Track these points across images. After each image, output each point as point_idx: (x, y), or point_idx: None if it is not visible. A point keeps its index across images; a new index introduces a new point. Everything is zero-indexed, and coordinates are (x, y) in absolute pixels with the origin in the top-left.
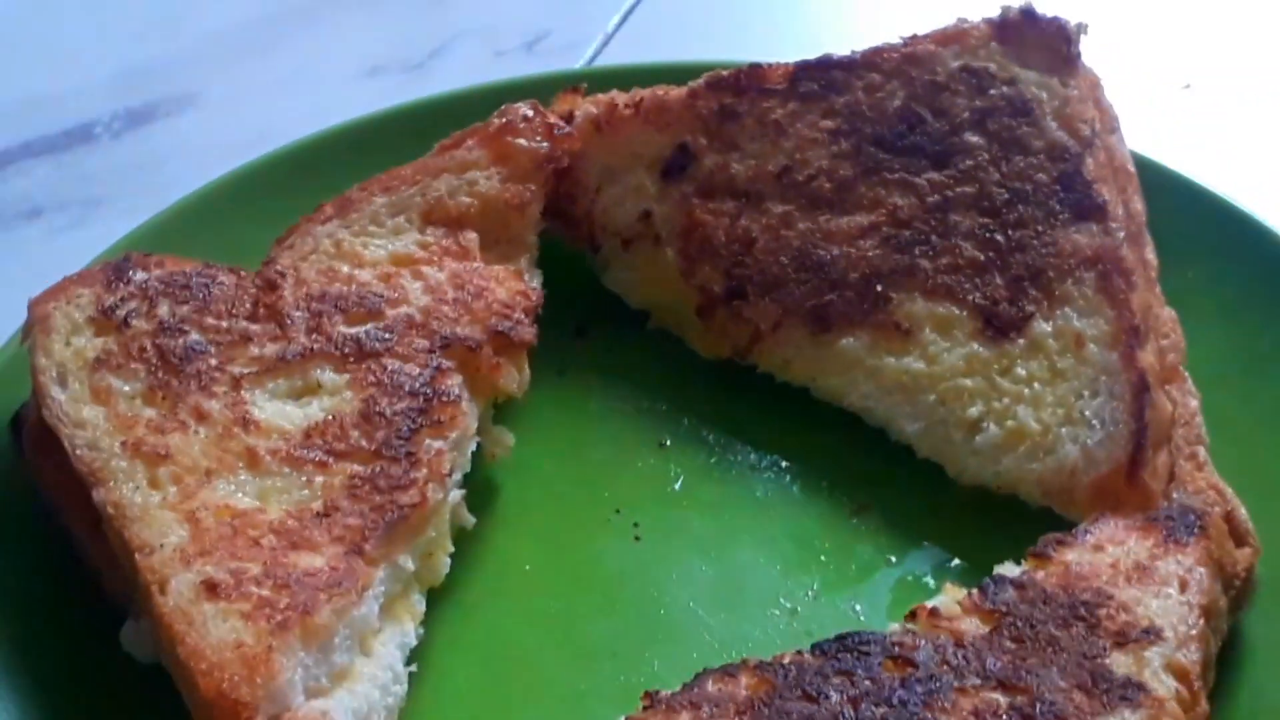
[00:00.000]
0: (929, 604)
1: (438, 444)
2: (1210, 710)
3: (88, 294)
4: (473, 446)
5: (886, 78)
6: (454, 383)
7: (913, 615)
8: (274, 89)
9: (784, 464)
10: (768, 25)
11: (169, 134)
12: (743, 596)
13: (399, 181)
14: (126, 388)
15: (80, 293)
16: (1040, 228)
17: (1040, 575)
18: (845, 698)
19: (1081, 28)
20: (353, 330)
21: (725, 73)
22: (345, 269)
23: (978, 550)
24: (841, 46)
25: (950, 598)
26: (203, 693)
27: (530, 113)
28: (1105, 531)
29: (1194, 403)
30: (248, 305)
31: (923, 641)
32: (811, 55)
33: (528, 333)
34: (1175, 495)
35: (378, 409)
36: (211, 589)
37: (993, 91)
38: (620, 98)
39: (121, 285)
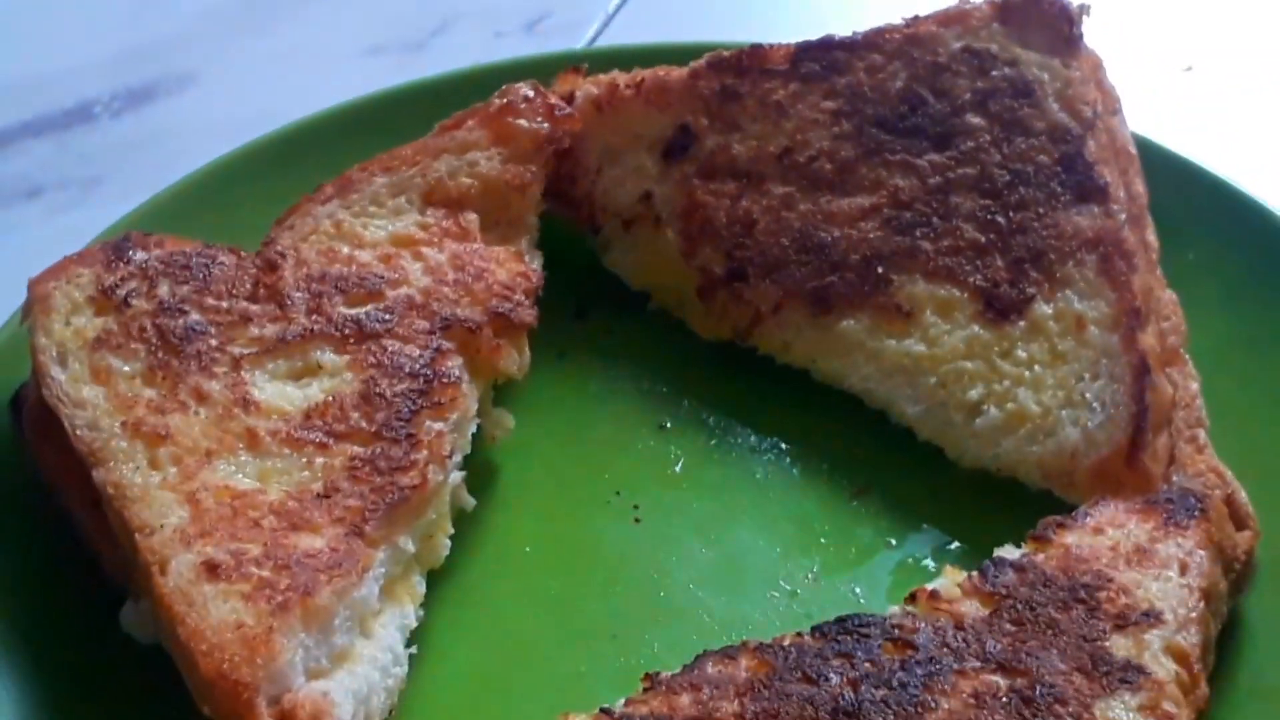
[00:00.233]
0: (929, 586)
1: (438, 426)
2: (1210, 692)
3: (88, 274)
4: (473, 428)
5: (888, 59)
6: (454, 364)
7: (912, 598)
8: (274, 69)
9: (784, 446)
10: (769, 6)
11: (169, 113)
12: (743, 578)
13: (399, 162)
14: (126, 368)
15: (80, 272)
16: (1041, 209)
17: (1040, 558)
18: (845, 679)
19: (1083, 9)
20: (353, 311)
21: (727, 53)
22: (345, 250)
23: (978, 533)
24: (843, 27)
25: (950, 580)
26: (203, 673)
27: (531, 93)
28: (1105, 514)
29: (1194, 385)
30: (248, 286)
31: (922, 624)
32: (813, 36)
33: (528, 314)
34: (1175, 478)
35: (378, 390)
36: (212, 570)
37: (994, 73)
38: (621, 78)
39: (121, 265)
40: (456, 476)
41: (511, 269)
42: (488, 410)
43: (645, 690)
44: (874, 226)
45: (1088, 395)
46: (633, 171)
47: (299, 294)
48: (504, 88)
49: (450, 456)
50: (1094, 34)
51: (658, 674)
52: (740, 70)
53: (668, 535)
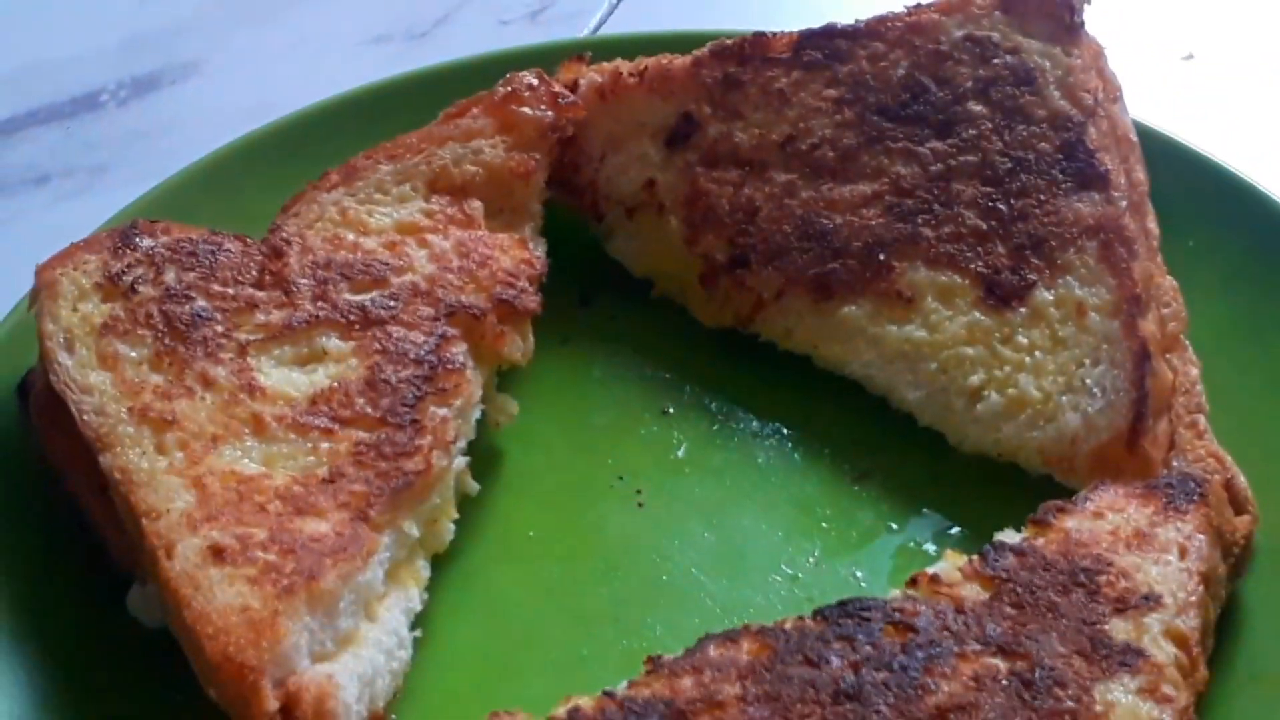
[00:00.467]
0: (930, 570)
1: (442, 411)
2: (1209, 676)
3: (94, 260)
4: (477, 414)
5: (890, 47)
6: (459, 350)
7: (913, 582)
8: (280, 57)
9: (786, 431)
10: None
11: (175, 101)
12: (744, 562)
13: (404, 150)
14: (133, 353)
15: (87, 259)
16: (1042, 196)
17: (1040, 542)
18: (846, 663)
19: None
20: (358, 298)
21: (729, 41)
22: (351, 237)
23: (978, 517)
24: (845, 15)
25: (951, 564)
26: (209, 656)
27: (535, 81)
28: (1105, 499)
29: (1194, 371)
30: (254, 272)
31: (923, 608)
32: (815, 24)
33: (532, 301)
34: (1175, 463)
35: (383, 376)
36: (218, 554)
37: (996, 60)
38: (624, 66)
39: (128, 252)
40: (461, 462)
41: (515, 256)
42: (492, 396)
43: (647, 673)
44: (876, 213)
45: (1088, 381)
46: (636, 159)
47: (304, 280)
48: (508, 76)
49: (454, 442)
50: (1095, 22)
51: (660, 657)
52: (743, 58)
53: (670, 520)
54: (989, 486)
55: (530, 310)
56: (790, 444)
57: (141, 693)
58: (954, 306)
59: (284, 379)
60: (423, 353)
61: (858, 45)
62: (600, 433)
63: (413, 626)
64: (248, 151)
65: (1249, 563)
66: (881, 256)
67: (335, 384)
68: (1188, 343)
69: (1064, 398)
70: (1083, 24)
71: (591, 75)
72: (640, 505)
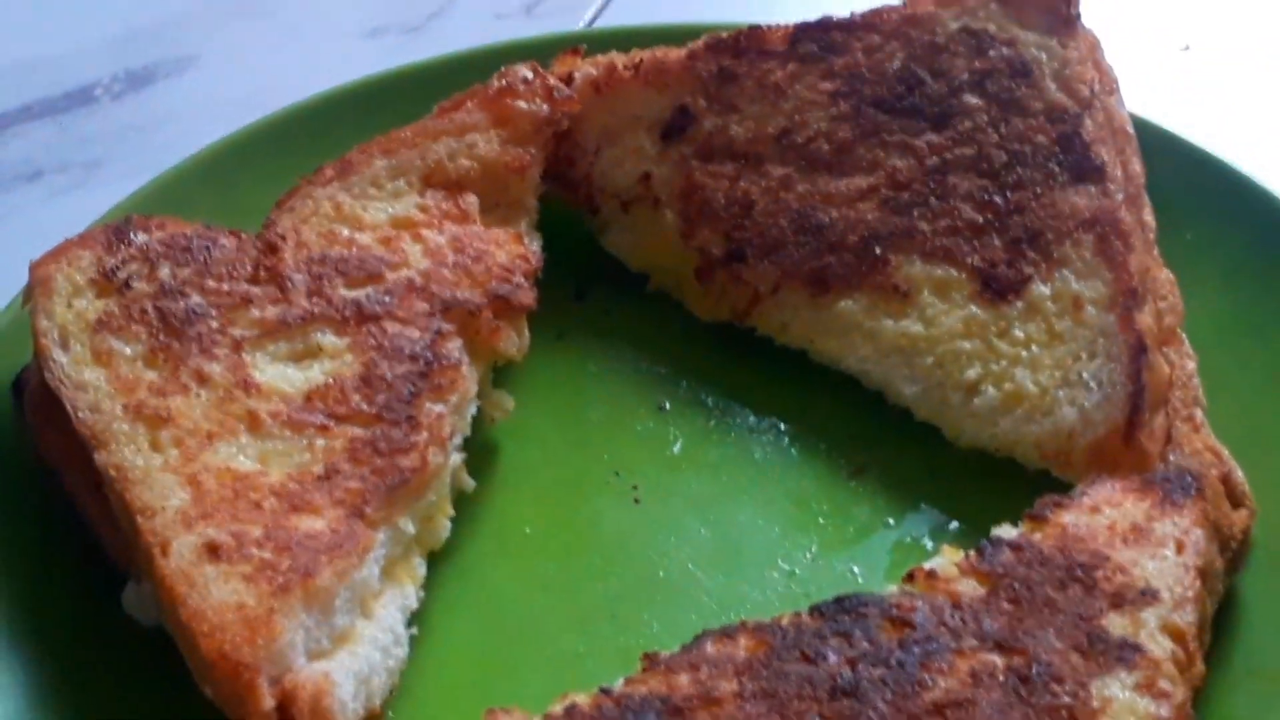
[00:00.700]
0: (926, 566)
1: (438, 408)
2: (1206, 671)
3: (89, 256)
4: (473, 410)
5: (886, 39)
6: (454, 346)
7: (910, 577)
8: (274, 50)
9: (782, 426)
10: None
11: (169, 96)
12: (741, 558)
13: (399, 144)
14: (128, 350)
15: (81, 255)
16: (1039, 189)
17: (1037, 537)
18: (843, 659)
19: None
20: (353, 293)
21: (725, 34)
22: (345, 232)
23: (975, 512)
24: (841, 8)
25: (948, 560)
26: (204, 654)
27: (530, 75)
28: (1102, 493)
29: (1191, 365)
30: (248, 268)
31: (920, 603)
32: (811, 17)
33: (527, 296)
34: (1172, 457)
35: (378, 372)
36: (213, 551)
37: (992, 53)
38: (620, 59)
39: (122, 247)
40: (456, 458)
41: (511, 251)
42: (487, 392)
43: (644, 670)
44: (871, 207)
45: (1085, 375)
46: (631, 153)
47: (299, 276)
48: (503, 69)
49: (450, 438)
50: (1091, 14)
51: (657, 654)
52: (738, 51)
53: (667, 516)
54: (986, 481)
55: (525, 305)
56: (787, 439)
57: (137, 691)
58: (950, 300)
59: (279, 375)
60: (418, 348)
61: (853, 38)
62: (596, 428)
63: (409, 624)
64: (242, 146)
65: (1246, 557)
66: (877, 250)
67: (330, 380)
68: (1185, 336)
69: (1061, 392)
70: (1079, 16)
71: (586, 69)
72: (636, 501)
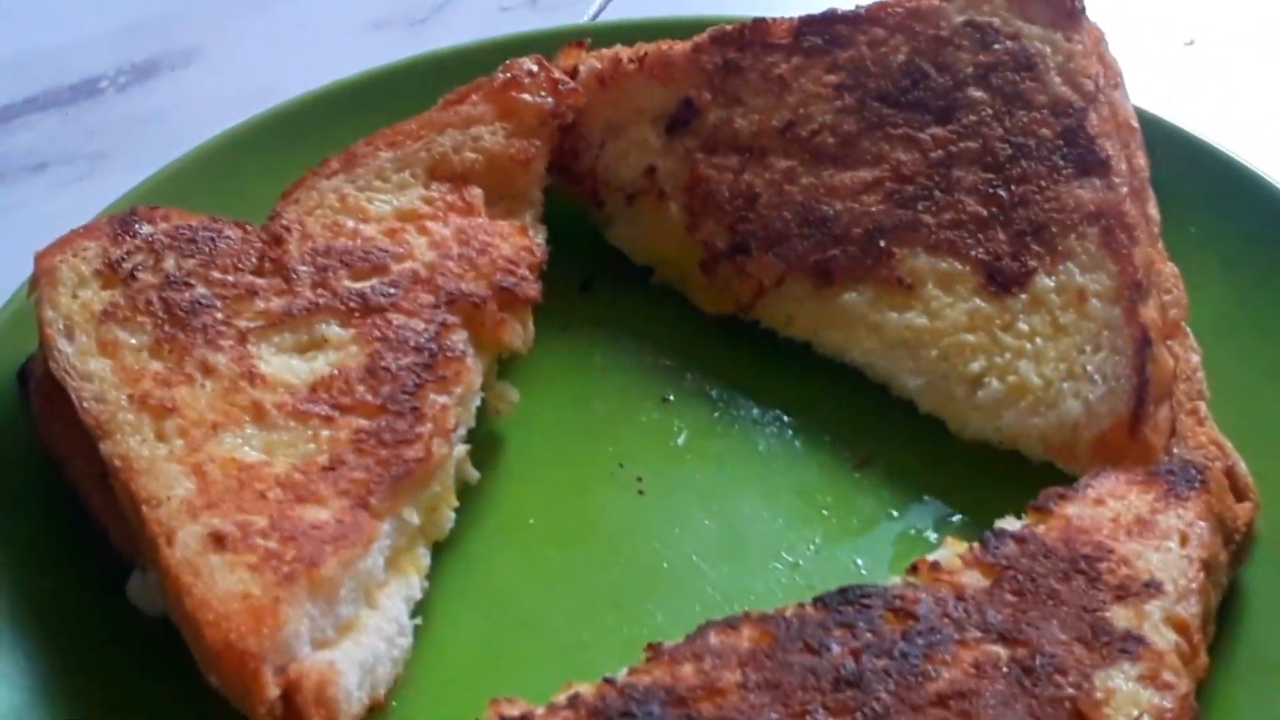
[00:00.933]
0: (930, 557)
1: (443, 399)
2: (1209, 663)
3: (94, 247)
4: (477, 401)
5: (890, 32)
6: (459, 338)
7: (914, 569)
8: (279, 43)
9: (786, 419)
10: None
11: (174, 88)
12: (745, 549)
13: (404, 136)
14: (133, 340)
15: (86, 246)
16: (1043, 183)
17: (1041, 529)
18: (846, 650)
19: None
20: (358, 285)
21: (729, 27)
22: (350, 224)
23: (979, 504)
24: (846, 1)
25: (951, 551)
26: (210, 644)
27: (535, 68)
28: (1106, 486)
29: (1195, 358)
30: (253, 259)
31: (924, 595)
32: (816, 9)
33: (532, 288)
34: (1176, 450)
35: (383, 364)
36: (218, 541)
37: (997, 46)
38: (624, 52)
39: (128, 238)
40: (461, 449)
41: (516, 243)
42: (492, 384)
43: (648, 660)
44: (876, 200)
45: (1089, 368)
46: (636, 146)
47: (304, 268)
48: (508, 62)
49: (455, 430)
50: (1096, 7)
51: (660, 644)
52: (743, 44)
53: (671, 507)
54: (990, 473)
55: (530, 298)
56: (791, 431)
57: (142, 681)
58: (955, 293)
59: (284, 366)
60: (423, 340)
61: (858, 31)
62: (601, 420)
63: (413, 614)
64: (247, 138)
65: (1250, 550)
66: (882, 243)
67: (335, 371)
68: (1189, 329)
69: (1065, 384)
70: (1084, 9)
71: (591, 61)
72: (641, 493)
